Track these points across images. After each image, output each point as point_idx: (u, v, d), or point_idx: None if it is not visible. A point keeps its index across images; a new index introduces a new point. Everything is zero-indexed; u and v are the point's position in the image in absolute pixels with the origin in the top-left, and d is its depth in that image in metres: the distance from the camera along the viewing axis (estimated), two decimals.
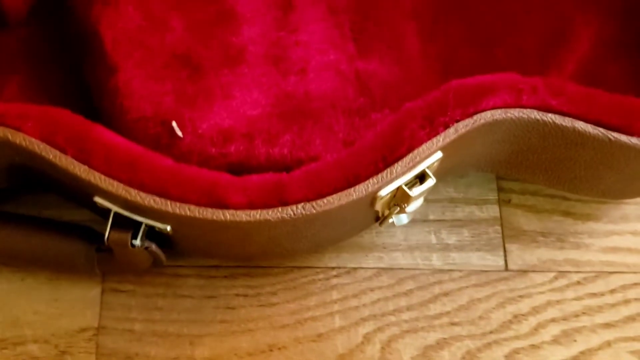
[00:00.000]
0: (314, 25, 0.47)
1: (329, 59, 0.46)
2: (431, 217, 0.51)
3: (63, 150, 0.38)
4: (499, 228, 0.51)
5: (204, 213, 0.37)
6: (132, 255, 0.41)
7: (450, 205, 0.51)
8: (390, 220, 0.44)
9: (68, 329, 0.46)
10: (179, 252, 0.45)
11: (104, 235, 0.44)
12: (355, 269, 0.49)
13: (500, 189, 0.52)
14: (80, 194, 0.42)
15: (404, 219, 0.44)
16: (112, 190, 0.38)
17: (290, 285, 0.48)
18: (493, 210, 0.51)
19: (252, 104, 0.44)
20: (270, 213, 0.37)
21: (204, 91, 0.44)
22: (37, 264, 0.45)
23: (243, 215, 0.37)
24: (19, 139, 0.38)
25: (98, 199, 0.39)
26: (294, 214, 0.37)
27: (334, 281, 0.48)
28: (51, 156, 0.38)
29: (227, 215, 0.37)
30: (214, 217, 0.37)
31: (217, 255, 0.46)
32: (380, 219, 0.43)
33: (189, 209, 0.37)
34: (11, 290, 0.47)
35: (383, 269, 0.49)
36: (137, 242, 0.39)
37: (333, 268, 0.49)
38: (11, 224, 0.43)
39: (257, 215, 0.37)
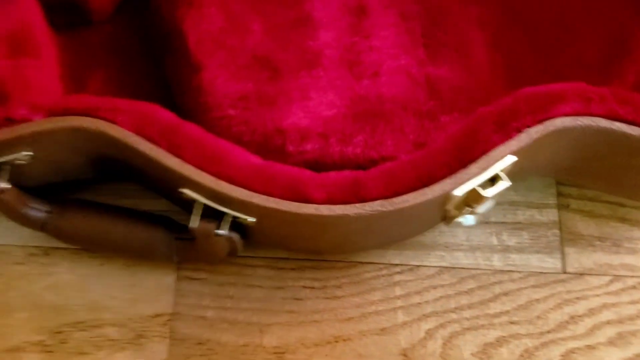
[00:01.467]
0: (386, 30, 0.49)
1: (401, 64, 0.48)
2: (493, 219, 0.52)
3: (156, 143, 0.41)
4: (557, 232, 0.52)
5: (289, 206, 0.39)
6: (213, 245, 0.43)
7: (511, 208, 0.52)
8: (458, 220, 0.45)
9: (143, 314, 0.48)
10: (251, 243, 0.47)
11: (182, 225, 0.47)
12: (418, 266, 0.51)
13: (559, 194, 0.53)
14: (164, 184, 0.45)
15: (471, 220, 0.46)
16: (202, 183, 0.40)
17: (355, 279, 0.50)
18: (552, 214, 0.53)
19: (327, 105, 0.46)
20: (349, 209, 0.39)
21: (283, 92, 0.46)
22: (118, 250, 0.47)
23: (324, 210, 0.39)
24: (114, 131, 0.41)
25: (185, 190, 0.42)
26: (371, 210, 0.39)
27: (397, 277, 0.50)
28: (145, 148, 0.41)
29: (310, 209, 0.39)
30: (298, 211, 0.39)
31: (290, 247, 0.48)
32: (447, 218, 0.45)
33: (275, 202, 0.39)
34: (90, 275, 0.49)
35: (445, 267, 0.51)
36: (222, 232, 0.42)
37: (396, 265, 0.51)
38: (96, 210, 0.46)
39: (337, 210, 0.39)
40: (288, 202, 0.39)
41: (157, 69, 0.51)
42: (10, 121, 0.40)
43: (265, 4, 0.49)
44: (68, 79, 0.49)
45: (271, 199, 0.39)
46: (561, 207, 0.53)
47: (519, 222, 0.52)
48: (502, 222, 0.52)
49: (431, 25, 0.50)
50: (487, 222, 0.52)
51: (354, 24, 0.49)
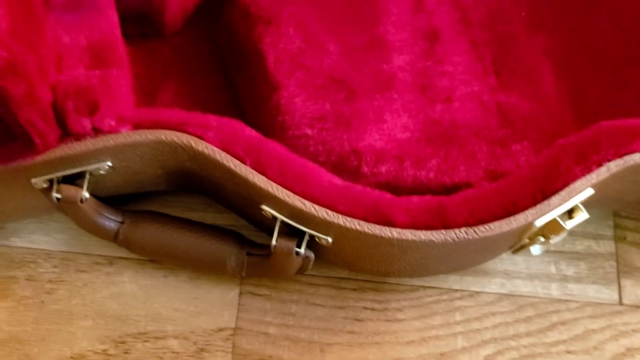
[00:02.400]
0: (458, 56, 0.50)
1: (473, 90, 0.48)
2: (551, 248, 0.52)
3: (242, 160, 0.41)
4: (614, 263, 0.53)
5: (372, 229, 0.40)
6: (287, 262, 0.43)
7: (569, 238, 0.53)
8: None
9: (207, 327, 0.49)
10: (319, 262, 0.47)
11: (252, 240, 0.47)
12: (478, 292, 0.51)
13: (616, 226, 0.54)
14: (242, 200, 0.45)
15: (538, 249, 0.46)
16: (286, 201, 0.40)
17: (416, 303, 0.50)
18: (609, 246, 0.53)
19: (401, 128, 0.47)
20: (434, 234, 0.39)
21: (358, 113, 0.46)
22: (186, 263, 0.47)
23: (409, 235, 0.39)
24: (202, 146, 0.41)
25: (265, 207, 0.42)
26: (456, 237, 0.39)
27: (458, 303, 0.50)
28: (231, 165, 0.41)
29: (394, 233, 0.39)
30: (382, 234, 0.40)
31: (358, 268, 0.48)
32: (519, 247, 0.46)
33: (359, 224, 0.40)
34: (154, 286, 0.49)
35: (505, 294, 0.51)
36: (301, 250, 0.42)
37: (457, 290, 0.51)
38: (168, 223, 0.46)
39: (422, 235, 0.39)
40: (372, 224, 0.40)
41: (228, 82, 0.52)
42: (97, 131, 0.41)
43: (340, 25, 0.49)
44: (139, 90, 0.49)
45: (355, 220, 0.40)
46: (618, 239, 0.54)
47: (577, 252, 0.53)
48: (561, 252, 0.53)
49: (501, 52, 0.51)
50: (546, 251, 0.52)
51: (427, 49, 0.50)
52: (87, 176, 0.42)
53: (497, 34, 0.51)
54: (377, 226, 0.40)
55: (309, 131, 0.46)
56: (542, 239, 0.43)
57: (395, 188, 0.45)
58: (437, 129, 0.47)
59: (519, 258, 0.52)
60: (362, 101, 0.47)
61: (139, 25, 0.51)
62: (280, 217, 0.42)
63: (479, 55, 0.50)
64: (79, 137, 0.40)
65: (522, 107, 0.49)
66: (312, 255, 0.43)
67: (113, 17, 0.46)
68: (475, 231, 0.39)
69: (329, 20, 0.49)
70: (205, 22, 0.53)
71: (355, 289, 0.50)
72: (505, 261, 0.52)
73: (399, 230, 0.39)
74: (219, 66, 0.52)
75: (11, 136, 0.45)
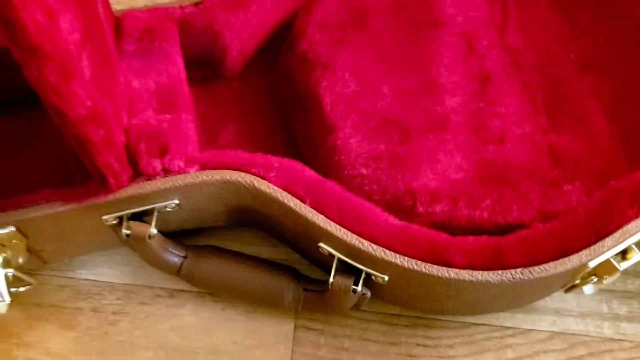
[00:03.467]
0: (509, 98, 0.51)
1: (524, 131, 0.50)
2: (603, 286, 0.52)
3: (302, 200, 0.43)
4: None
5: (430, 269, 0.41)
6: (344, 299, 0.45)
7: (621, 276, 0.52)
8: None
9: None
10: (374, 299, 0.48)
11: (307, 276, 0.49)
12: (529, 330, 0.51)
13: None
14: (300, 237, 0.47)
15: (590, 288, 0.47)
16: (345, 240, 0.42)
17: (467, 340, 0.51)
18: None
19: (455, 168, 0.48)
20: (491, 275, 0.40)
21: (412, 154, 0.48)
22: (244, 297, 0.49)
23: (466, 275, 0.40)
24: (264, 186, 0.43)
25: (323, 245, 0.44)
26: (512, 278, 0.40)
27: (509, 340, 0.51)
28: (292, 204, 0.43)
29: (452, 273, 0.40)
30: (439, 274, 0.41)
31: (412, 306, 0.49)
32: (572, 287, 0.46)
33: (417, 264, 0.41)
34: (212, 319, 0.51)
35: (556, 332, 0.51)
36: (359, 288, 0.43)
37: (508, 328, 0.51)
38: (228, 258, 0.48)
39: (479, 276, 0.40)
40: (429, 265, 0.41)
41: (285, 122, 0.54)
42: (167, 172, 0.43)
43: (394, 68, 0.51)
44: (202, 130, 0.52)
45: (413, 260, 0.41)
46: None
47: (629, 291, 0.53)
48: (612, 290, 0.53)
49: (552, 94, 0.52)
50: (597, 290, 0.52)
51: (479, 91, 0.51)
52: (155, 213, 0.45)
53: (547, 76, 0.52)
54: (435, 266, 0.41)
55: (364, 171, 0.47)
56: (595, 279, 0.44)
57: (450, 227, 0.46)
58: (490, 170, 0.48)
59: (570, 296, 0.52)
60: (416, 142, 0.48)
61: (201, 69, 0.53)
62: (337, 254, 0.43)
63: (530, 96, 0.51)
64: (149, 177, 0.43)
65: (573, 148, 0.50)
66: (368, 293, 0.44)
67: (180, 63, 0.48)
68: (530, 272, 0.40)
69: (382, 64, 0.51)
70: (262, 66, 0.56)
71: (407, 325, 0.51)
72: (556, 299, 0.52)
73: (456, 270, 0.41)
74: (276, 107, 0.55)
75: (84, 176, 0.48)
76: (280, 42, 0.56)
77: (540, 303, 0.52)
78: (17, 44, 0.28)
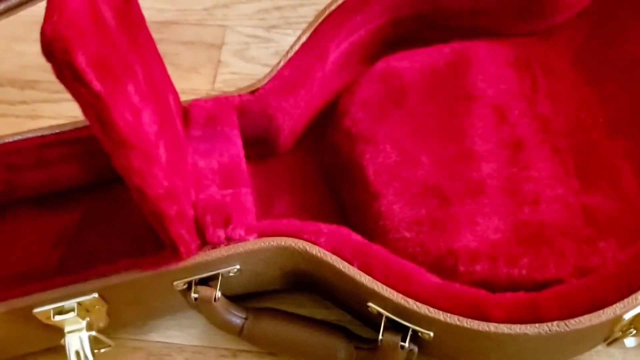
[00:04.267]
0: (541, 163, 0.55)
1: (557, 193, 0.53)
2: None
3: (350, 262, 0.47)
4: None
5: (471, 324, 0.44)
6: (393, 355, 0.48)
7: None
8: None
9: None
10: (421, 355, 0.51)
11: (359, 335, 0.52)
12: None
13: None
14: (350, 297, 0.51)
15: (632, 341, 0.48)
16: (391, 299, 0.46)
17: None
18: None
19: (493, 229, 0.51)
20: (528, 328, 0.43)
21: (452, 217, 0.52)
22: (300, 355, 0.53)
23: (505, 328, 0.43)
24: (315, 250, 0.48)
25: (372, 304, 0.48)
26: (549, 330, 0.43)
27: None
28: (340, 267, 0.47)
29: (491, 327, 0.44)
30: (479, 328, 0.44)
31: (457, 359, 0.52)
32: (612, 340, 0.48)
33: (458, 319, 0.44)
34: None
35: None
36: (406, 344, 0.47)
37: None
38: (285, 319, 0.52)
39: (517, 329, 0.43)
40: (470, 319, 0.44)
41: (333, 192, 0.59)
42: (230, 240, 0.48)
43: (431, 140, 0.56)
44: (258, 202, 0.57)
45: (455, 316, 0.44)
46: None
47: None
48: None
49: (582, 157, 0.55)
50: None
51: (512, 157, 0.55)
52: (220, 278, 0.50)
53: (577, 140, 0.56)
54: (476, 321, 0.44)
55: (407, 234, 0.51)
56: (634, 331, 0.46)
57: (491, 285, 0.49)
58: (526, 230, 0.51)
59: (616, 350, 0.54)
60: (455, 206, 0.52)
61: (257, 148, 0.60)
62: (385, 313, 0.47)
63: (561, 160, 0.55)
64: (214, 245, 0.48)
65: (605, 207, 0.53)
66: (415, 348, 0.47)
67: (239, 143, 0.55)
68: (566, 324, 0.43)
69: (420, 136, 0.56)
70: (311, 142, 0.62)
71: None
72: (602, 354, 0.54)
73: (495, 324, 0.44)
74: (325, 178, 0.60)
75: (156, 247, 0.54)
76: (327, 120, 0.61)
77: (586, 357, 0.54)
78: (108, 138, 0.35)
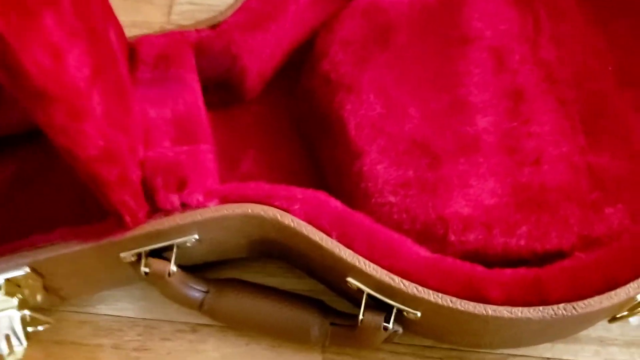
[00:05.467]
0: (544, 116, 0.48)
1: (562, 151, 0.47)
2: None
3: (328, 233, 0.41)
4: None
5: (466, 306, 0.38)
6: (374, 335, 0.42)
7: None
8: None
9: None
10: (405, 333, 0.45)
11: (335, 310, 0.46)
12: None
13: None
14: (327, 271, 0.44)
15: (637, 320, 0.44)
16: (374, 275, 0.39)
17: None
18: None
19: (489, 193, 0.45)
20: (532, 311, 0.38)
21: (443, 179, 0.45)
22: (269, 331, 0.47)
23: (505, 312, 0.38)
24: (288, 220, 0.41)
25: (351, 280, 0.41)
26: (554, 314, 0.37)
27: None
28: (317, 238, 0.41)
29: (489, 310, 0.38)
30: (475, 311, 0.38)
31: (446, 340, 0.47)
32: (617, 319, 0.43)
33: (451, 301, 0.38)
34: (236, 354, 0.49)
35: None
36: (390, 325, 0.41)
37: (549, 358, 0.48)
38: (251, 292, 0.46)
39: (518, 312, 0.38)
40: (465, 301, 0.38)
41: (307, 147, 0.52)
42: (185, 206, 0.41)
43: (421, 88, 0.49)
44: (221, 157, 0.50)
45: (447, 297, 0.38)
46: None
47: None
48: None
49: (589, 111, 0.49)
50: None
51: (512, 109, 0.48)
52: (175, 249, 0.43)
53: (584, 91, 0.49)
54: (472, 303, 0.38)
55: (392, 198, 0.45)
56: None
57: (485, 257, 0.44)
58: (526, 194, 0.45)
59: (613, 325, 0.49)
60: (447, 166, 0.46)
61: (219, 93, 0.51)
62: (366, 290, 0.41)
63: (566, 114, 0.48)
64: (167, 212, 0.41)
65: (614, 168, 0.47)
66: (400, 329, 0.42)
67: (197, 89, 0.47)
68: (574, 307, 0.37)
69: (409, 84, 0.49)
70: (283, 88, 0.54)
71: (440, 358, 0.48)
72: (599, 328, 0.49)
73: (494, 307, 0.38)
74: (298, 131, 0.53)
75: (102, 210, 0.46)
76: (301, 62, 0.53)
77: (582, 332, 0.49)
78: (20, 89, 0.27)
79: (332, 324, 0.45)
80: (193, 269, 0.46)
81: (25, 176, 0.51)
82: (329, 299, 0.48)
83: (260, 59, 0.51)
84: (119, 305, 0.50)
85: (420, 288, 0.39)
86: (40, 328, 0.46)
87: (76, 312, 0.50)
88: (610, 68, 0.51)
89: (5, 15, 0.23)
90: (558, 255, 0.43)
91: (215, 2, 0.61)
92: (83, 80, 0.31)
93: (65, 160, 0.33)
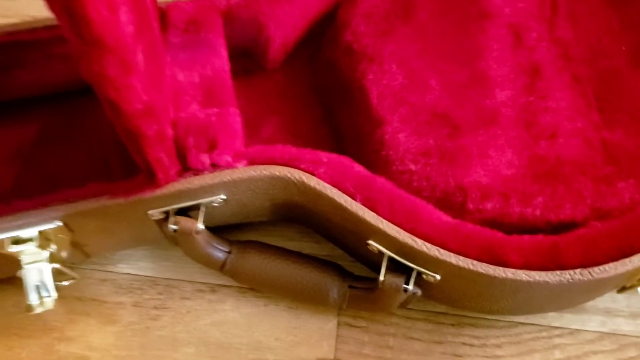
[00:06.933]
0: (560, 92, 0.49)
1: (577, 126, 0.48)
2: None
3: (352, 196, 0.42)
4: None
5: (486, 269, 0.40)
6: (393, 297, 0.44)
7: None
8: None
9: (306, 357, 0.49)
10: (422, 298, 0.47)
11: (352, 273, 0.48)
12: (578, 330, 0.50)
13: None
14: (348, 234, 0.46)
15: None
16: (397, 238, 0.41)
17: (514, 340, 0.50)
18: None
19: (506, 164, 0.46)
20: (549, 275, 0.39)
21: (462, 149, 0.47)
22: (288, 293, 0.48)
23: (523, 275, 0.39)
24: (314, 182, 0.42)
25: (372, 242, 0.43)
26: (571, 278, 0.39)
27: (557, 340, 0.50)
28: (342, 201, 0.42)
29: (509, 273, 0.39)
30: (495, 274, 0.39)
31: (463, 305, 0.48)
32: (627, 288, 0.45)
33: (472, 264, 0.40)
34: (254, 315, 0.50)
35: (605, 333, 0.50)
36: (410, 287, 0.42)
37: (556, 328, 0.50)
38: (273, 254, 0.47)
39: (536, 276, 0.39)
40: (485, 264, 0.40)
41: (327, 114, 0.53)
42: (215, 167, 0.42)
43: (441, 61, 0.50)
44: (244, 124, 0.51)
45: (468, 260, 0.40)
46: None
47: None
48: None
49: (603, 88, 0.50)
50: None
51: (529, 84, 0.50)
52: (202, 209, 0.44)
53: (598, 69, 0.51)
54: (492, 266, 0.40)
55: (412, 166, 0.46)
56: None
57: (501, 225, 0.45)
58: (542, 166, 0.46)
59: (620, 296, 0.51)
60: (466, 137, 0.47)
61: (243, 61, 0.52)
62: (387, 252, 0.42)
63: (581, 91, 0.50)
64: (197, 172, 0.42)
65: (627, 144, 0.48)
66: (419, 292, 0.43)
67: (224, 55, 0.47)
68: (590, 272, 0.39)
69: (430, 56, 0.50)
70: (304, 57, 0.55)
71: (453, 324, 0.50)
72: (606, 299, 0.51)
73: (513, 270, 0.39)
74: (319, 99, 0.54)
75: (124, 168, 0.47)
76: (322, 32, 0.54)
77: (589, 303, 0.51)
78: (80, 37, 0.27)
79: (350, 286, 0.47)
80: (214, 231, 0.48)
81: (49, 135, 0.52)
82: (346, 264, 0.49)
83: (284, 29, 0.51)
84: (140, 265, 0.52)
85: (442, 251, 0.40)
86: (65, 283, 0.47)
87: (98, 270, 0.52)
88: (623, 48, 0.52)
89: None
90: (571, 225, 0.44)
91: None
92: (130, 36, 0.32)
93: (106, 115, 0.34)
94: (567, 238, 0.41)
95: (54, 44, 0.48)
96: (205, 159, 0.42)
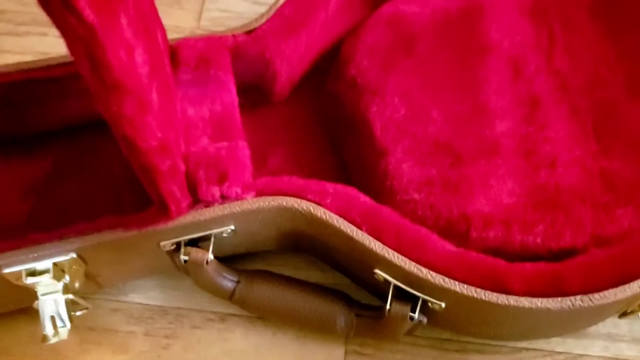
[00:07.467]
0: (559, 122, 0.51)
1: (575, 155, 0.49)
2: None
3: (358, 226, 0.43)
4: None
5: (489, 296, 0.41)
6: (400, 325, 0.45)
7: None
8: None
9: None
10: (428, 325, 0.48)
11: (359, 301, 0.49)
12: (581, 355, 0.51)
13: None
14: (355, 263, 0.47)
15: None
16: (403, 267, 0.42)
17: None
18: None
19: (507, 193, 0.48)
20: (551, 302, 0.40)
21: (464, 179, 0.48)
22: (296, 322, 0.49)
23: (526, 302, 0.40)
24: (320, 212, 0.43)
25: (379, 271, 0.44)
26: (572, 305, 0.40)
27: None
28: (348, 231, 0.43)
29: (511, 300, 0.40)
30: (498, 302, 0.41)
31: (467, 331, 0.49)
32: (628, 313, 0.46)
33: (475, 291, 0.41)
34: (263, 344, 0.51)
35: (608, 358, 0.51)
36: (416, 315, 0.43)
37: (560, 352, 0.51)
38: (280, 283, 0.48)
39: (538, 303, 0.40)
40: (489, 292, 0.41)
41: (333, 145, 0.54)
42: (224, 199, 0.44)
43: (443, 93, 0.52)
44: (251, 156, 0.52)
45: (472, 288, 0.41)
46: None
47: None
48: None
49: (601, 118, 0.52)
50: None
51: (528, 115, 0.51)
52: (212, 239, 0.45)
53: (596, 100, 0.52)
54: (495, 294, 0.41)
55: (416, 196, 0.47)
56: None
57: (503, 253, 0.46)
58: (542, 195, 0.48)
59: (622, 321, 0.52)
60: (468, 166, 0.49)
61: (250, 95, 0.54)
62: (393, 281, 0.43)
63: (579, 121, 0.51)
64: (207, 203, 0.43)
65: (625, 172, 0.49)
66: (425, 319, 0.44)
67: (233, 90, 0.49)
68: (590, 299, 0.40)
69: (431, 89, 0.52)
70: (309, 90, 0.56)
71: (458, 350, 0.51)
72: (608, 324, 0.52)
73: (516, 297, 0.40)
74: (324, 130, 0.55)
75: (135, 201, 0.49)
76: (325, 66, 0.56)
77: (592, 328, 0.52)
78: (99, 80, 0.29)
79: (357, 315, 0.48)
80: (222, 260, 0.49)
81: (62, 169, 0.53)
82: (352, 292, 0.50)
83: (290, 64, 0.53)
84: (151, 294, 0.53)
85: (446, 279, 0.41)
86: (78, 313, 0.48)
87: (109, 299, 0.53)
88: (620, 78, 0.54)
89: (97, 10, 0.26)
90: (572, 253, 0.45)
91: (243, 10, 0.64)
92: (145, 76, 0.34)
93: (122, 151, 0.36)
94: (568, 265, 0.42)
95: (68, 81, 0.50)
96: (216, 191, 0.43)
